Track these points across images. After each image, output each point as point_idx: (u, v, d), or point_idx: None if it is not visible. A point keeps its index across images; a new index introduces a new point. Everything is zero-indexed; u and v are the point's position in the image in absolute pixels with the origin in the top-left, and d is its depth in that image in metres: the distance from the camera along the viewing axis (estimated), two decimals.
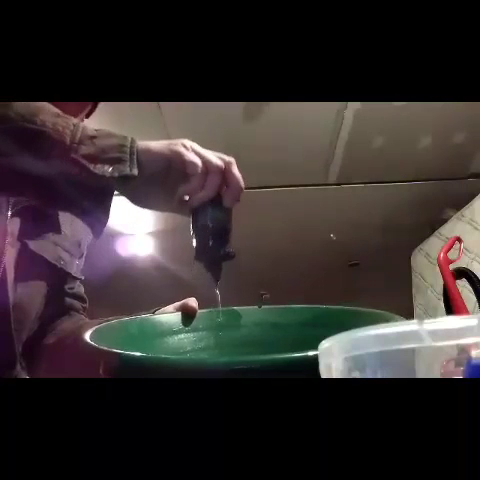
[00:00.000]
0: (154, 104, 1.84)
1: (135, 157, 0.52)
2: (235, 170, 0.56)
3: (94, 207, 0.54)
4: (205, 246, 0.57)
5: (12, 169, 0.50)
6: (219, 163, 0.55)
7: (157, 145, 0.55)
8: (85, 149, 0.51)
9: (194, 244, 0.58)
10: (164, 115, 1.90)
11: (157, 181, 0.55)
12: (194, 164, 0.54)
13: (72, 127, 0.52)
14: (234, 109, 1.91)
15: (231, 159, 0.57)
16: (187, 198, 0.57)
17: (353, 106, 1.92)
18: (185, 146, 0.55)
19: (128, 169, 0.51)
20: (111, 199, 0.55)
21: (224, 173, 0.56)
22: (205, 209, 0.56)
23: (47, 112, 0.52)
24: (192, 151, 0.55)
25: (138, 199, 0.58)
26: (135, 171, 0.52)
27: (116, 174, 0.51)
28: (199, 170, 0.54)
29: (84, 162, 0.50)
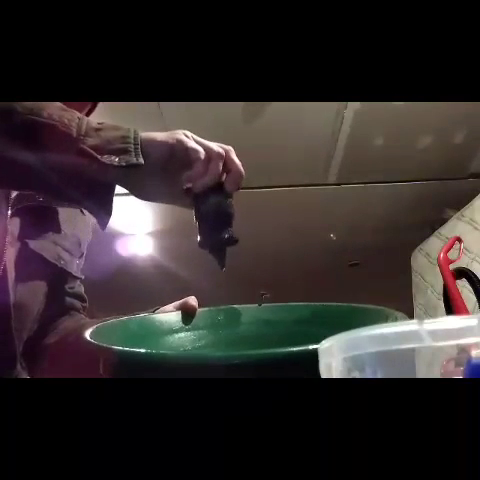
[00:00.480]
0: (154, 104, 1.84)
1: (139, 147, 0.53)
2: (235, 157, 0.59)
3: (98, 198, 0.55)
4: (208, 232, 0.58)
5: (20, 163, 0.51)
6: (220, 149, 0.57)
7: (160, 134, 0.57)
8: (91, 141, 0.52)
9: (198, 232, 0.58)
10: (164, 115, 1.90)
11: (161, 170, 0.56)
12: (196, 150, 0.56)
13: (77, 120, 0.53)
14: (234, 109, 1.91)
15: (230, 147, 0.59)
16: (190, 185, 0.58)
17: (353, 106, 1.92)
18: (186, 135, 0.57)
19: (134, 158, 0.52)
20: (113, 190, 0.56)
21: (224, 160, 0.58)
22: (207, 195, 0.57)
23: (53, 106, 0.53)
24: (193, 139, 0.57)
25: (142, 191, 0.58)
26: (141, 160, 0.53)
27: (123, 163, 0.51)
28: (201, 155, 0.56)
29: (92, 152, 0.51)
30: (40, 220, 0.72)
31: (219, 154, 0.57)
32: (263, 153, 2.11)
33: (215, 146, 0.57)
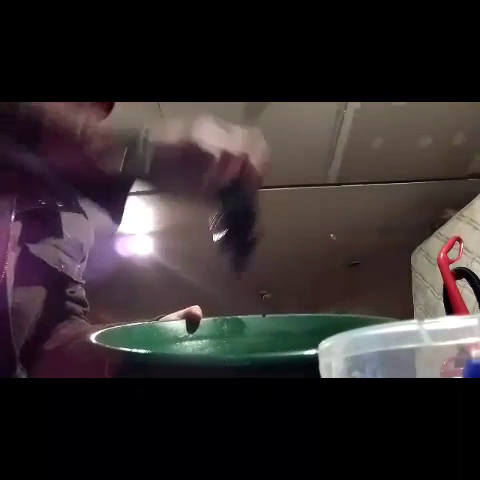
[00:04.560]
0: (154, 104, 1.84)
1: (146, 154, 0.51)
2: (254, 158, 0.56)
3: (106, 204, 0.54)
4: (233, 233, 0.56)
5: (22, 170, 0.50)
6: (236, 153, 0.54)
7: (171, 137, 0.53)
8: (96, 146, 0.51)
9: (218, 236, 0.57)
10: (164, 115, 1.90)
11: (170, 175, 0.54)
12: (210, 155, 0.52)
13: (83, 125, 0.51)
14: (234, 109, 1.91)
15: (254, 139, 0.57)
16: (206, 187, 0.55)
17: (353, 106, 1.92)
18: (202, 133, 0.53)
19: (140, 166, 0.51)
20: (123, 197, 0.54)
21: (243, 161, 0.55)
22: (230, 196, 0.56)
23: (59, 109, 0.52)
24: (210, 138, 0.53)
25: (161, 189, 0.57)
26: (147, 168, 0.51)
27: (127, 172, 0.50)
28: (218, 161, 0.52)
29: (96, 159, 0.50)
30: (42, 224, 0.72)
31: (235, 157, 0.54)
32: None
33: (232, 147, 0.54)
